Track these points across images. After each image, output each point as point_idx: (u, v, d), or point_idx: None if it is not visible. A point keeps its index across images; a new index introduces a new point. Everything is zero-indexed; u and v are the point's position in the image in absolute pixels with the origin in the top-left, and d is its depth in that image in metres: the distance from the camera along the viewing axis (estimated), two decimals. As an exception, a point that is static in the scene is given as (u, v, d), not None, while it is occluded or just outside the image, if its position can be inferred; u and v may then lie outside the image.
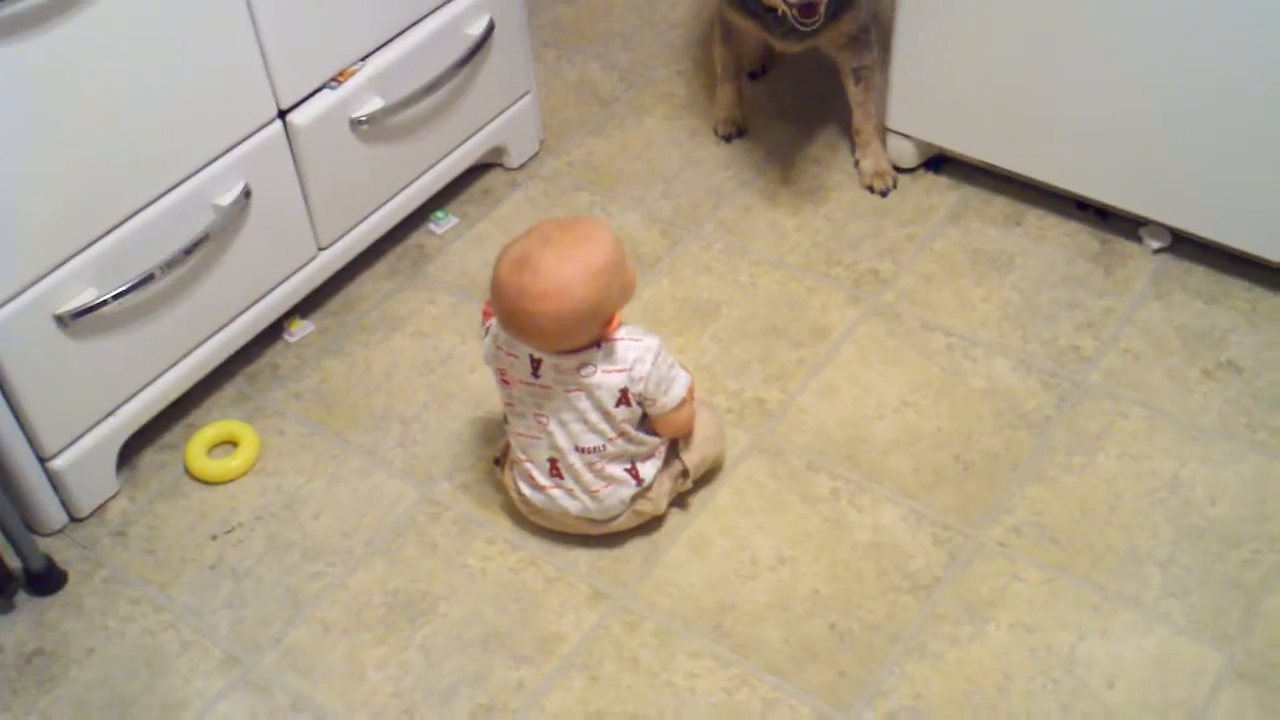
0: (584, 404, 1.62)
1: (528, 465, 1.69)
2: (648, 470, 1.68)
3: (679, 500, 1.76)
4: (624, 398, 1.62)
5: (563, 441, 1.64)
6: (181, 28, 1.66)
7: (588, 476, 1.66)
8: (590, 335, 1.59)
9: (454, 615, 1.67)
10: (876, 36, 2.16)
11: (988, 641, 1.61)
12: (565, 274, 1.53)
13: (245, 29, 1.74)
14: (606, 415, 1.62)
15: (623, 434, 1.64)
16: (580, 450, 1.65)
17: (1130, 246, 2.08)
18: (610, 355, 1.61)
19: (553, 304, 1.53)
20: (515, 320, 1.57)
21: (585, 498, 1.67)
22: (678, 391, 1.65)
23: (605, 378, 1.61)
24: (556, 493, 1.68)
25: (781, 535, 1.73)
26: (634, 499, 1.69)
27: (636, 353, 1.61)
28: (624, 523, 1.71)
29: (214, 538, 1.78)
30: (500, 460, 1.78)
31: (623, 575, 1.70)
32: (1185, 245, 2.06)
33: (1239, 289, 2.00)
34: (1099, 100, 1.94)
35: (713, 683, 1.59)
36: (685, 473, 1.73)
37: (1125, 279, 2.03)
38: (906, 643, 1.61)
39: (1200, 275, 2.03)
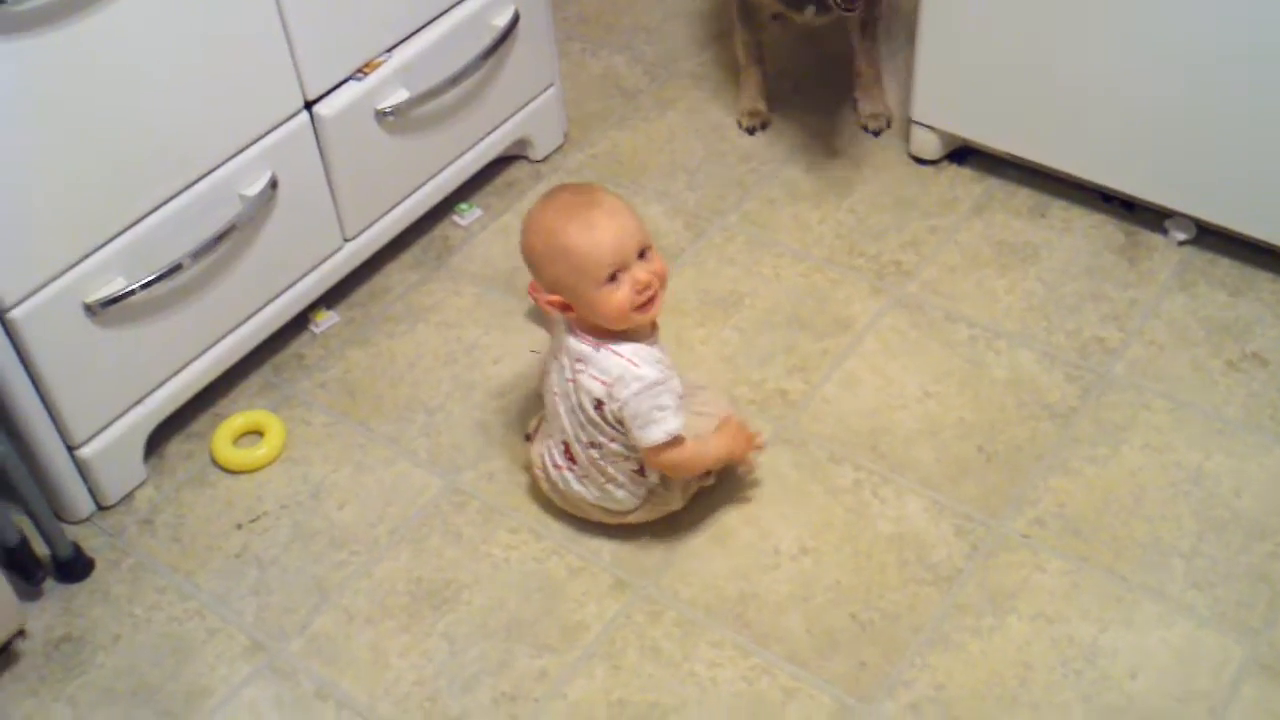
0: (576, 398, 1.63)
1: (549, 443, 1.70)
2: (655, 473, 1.68)
3: (701, 493, 1.76)
4: (600, 408, 1.61)
5: (569, 428, 1.65)
6: (209, 19, 1.67)
7: (593, 470, 1.67)
8: (541, 282, 1.62)
9: (477, 604, 1.68)
10: None
11: (1010, 632, 1.61)
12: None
13: (272, 20, 1.75)
14: (591, 418, 1.63)
15: (613, 439, 1.64)
16: (581, 443, 1.65)
17: (1155, 238, 2.07)
18: (601, 363, 1.60)
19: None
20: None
21: (595, 487, 1.68)
22: (654, 434, 1.58)
23: (589, 381, 1.60)
24: (570, 475, 1.69)
25: (804, 526, 1.74)
26: (648, 495, 1.69)
27: (622, 372, 1.59)
28: (640, 516, 1.72)
29: (240, 526, 1.79)
30: (531, 435, 1.79)
31: (645, 565, 1.71)
32: (1210, 237, 2.05)
33: (1264, 281, 1.99)
34: (1124, 92, 1.94)
35: (734, 672, 1.59)
36: (708, 470, 1.73)
37: (1150, 271, 2.03)
38: (928, 633, 1.61)
39: (1225, 267, 2.02)
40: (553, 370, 1.67)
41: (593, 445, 1.65)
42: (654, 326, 1.66)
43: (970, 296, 2.01)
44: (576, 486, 1.69)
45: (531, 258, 1.63)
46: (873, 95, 2.31)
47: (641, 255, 1.58)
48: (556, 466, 1.70)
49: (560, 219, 1.58)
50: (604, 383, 1.59)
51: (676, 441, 1.60)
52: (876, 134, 2.31)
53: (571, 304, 1.60)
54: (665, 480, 1.69)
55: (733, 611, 1.65)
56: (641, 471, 1.67)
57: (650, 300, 1.59)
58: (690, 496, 1.74)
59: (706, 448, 1.66)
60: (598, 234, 1.56)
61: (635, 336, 1.62)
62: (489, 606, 1.68)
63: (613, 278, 1.56)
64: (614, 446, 1.64)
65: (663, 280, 1.61)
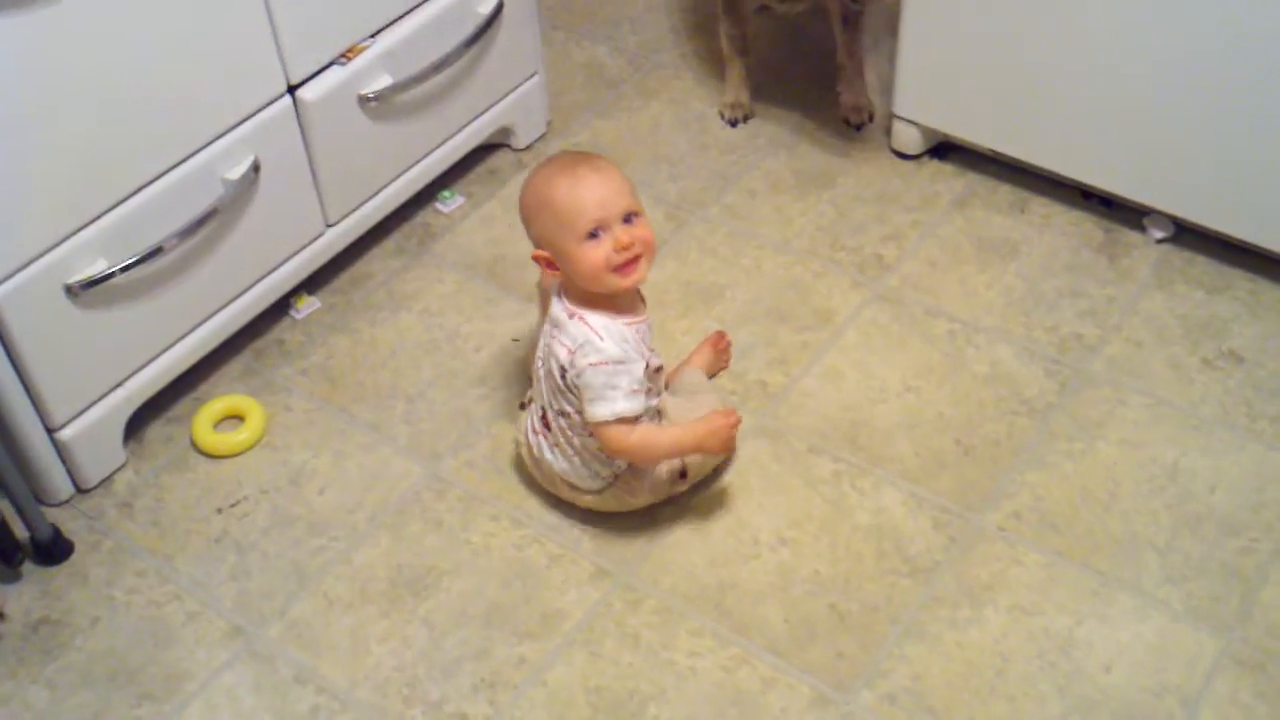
0: (549, 364, 1.64)
1: (532, 408, 1.72)
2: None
3: (671, 499, 1.75)
4: (564, 375, 1.62)
5: (545, 394, 1.67)
6: (193, 1, 1.67)
7: (562, 439, 1.68)
8: (531, 239, 1.64)
9: (457, 591, 1.69)
10: None
11: (986, 625, 1.62)
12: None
13: (256, 4, 1.75)
14: (558, 385, 1.64)
15: (580, 412, 1.64)
16: (553, 410, 1.66)
17: (1133, 236, 2.09)
18: (570, 330, 1.61)
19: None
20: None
21: (563, 458, 1.69)
22: (599, 410, 1.58)
23: (558, 347, 1.62)
24: (544, 442, 1.70)
25: (783, 516, 1.75)
26: (614, 480, 1.70)
27: (585, 341, 1.59)
28: (600, 503, 1.72)
29: (219, 511, 1.79)
30: (524, 404, 1.80)
31: (625, 553, 1.72)
32: (1188, 235, 2.06)
33: (1241, 279, 2.01)
34: (1104, 89, 1.95)
35: (713, 661, 1.60)
36: (684, 473, 1.72)
37: (1128, 268, 2.04)
38: (905, 624, 1.63)
39: (1203, 265, 2.04)
40: (541, 335, 1.68)
41: (561, 414, 1.66)
42: (642, 302, 1.68)
43: (950, 291, 2.03)
44: (548, 455, 1.70)
45: (524, 213, 1.65)
46: (855, 89, 2.32)
47: (628, 220, 1.59)
48: (535, 432, 1.72)
49: (551, 173, 1.62)
50: (569, 349, 1.61)
51: (622, 423, 1.60)
52: (858, 128, 2.31)
53: (556, 261, 1.61)
54: (635, 470, 1.69)
55: (712, 601, 1.66)
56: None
57: (630, 263, 1.59)
58: (661, 499, 1.73)
59: (661, 437, 1.64)
60: (581, 188, 1.58)
61: (619, 308, 1.63)
62: (469, 593, 1.68)
63: (594, 235, 1.57)
64: (578, 417, 1.65)
65: (647, 247, 1.61)
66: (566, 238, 1.58)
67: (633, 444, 1.62)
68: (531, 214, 1.63)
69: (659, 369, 1.68)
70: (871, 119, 2.32)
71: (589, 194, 1.58)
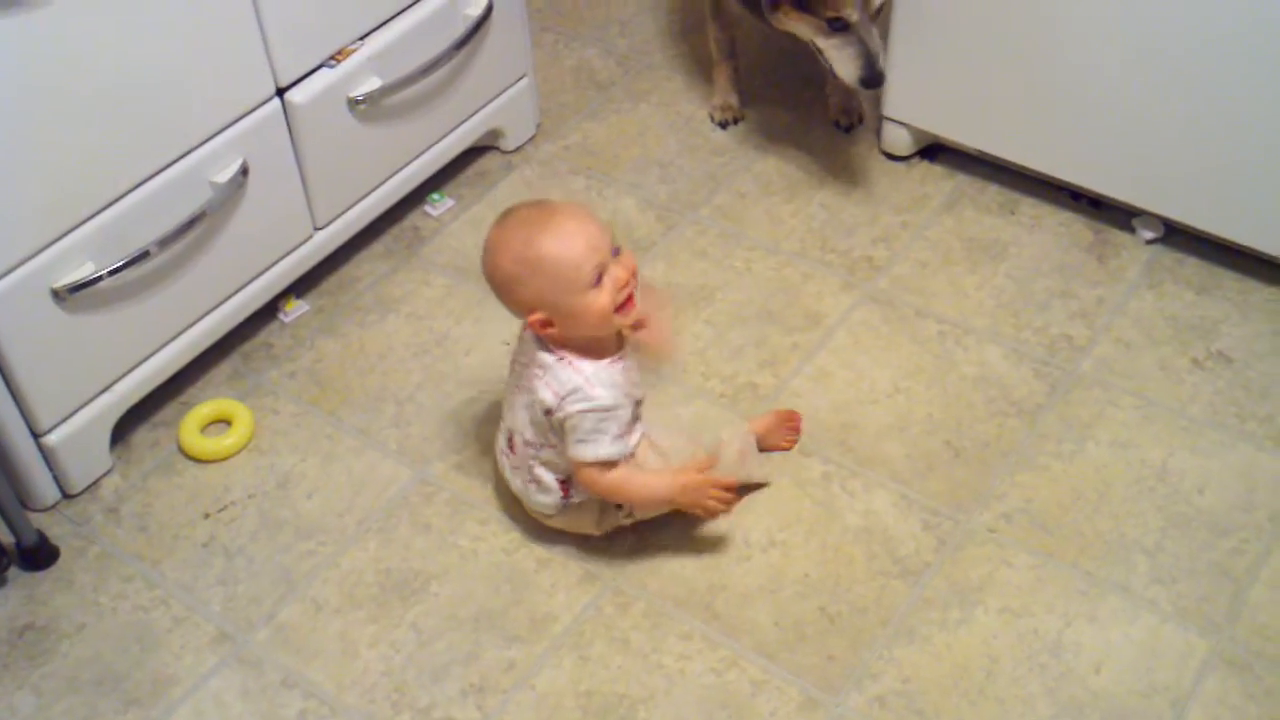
0: (528, 399, 1.62)
1: (501, 425, 1.72)
2: (579, 491, 1.67)
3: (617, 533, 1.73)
4: (549, 415, 1.59)
5: (518, 421, 1.66)
6: (182, 4, 1.66)
7: (523, 467, 1.67)
8: (515, 305, 1.58)
9: (446, 595, 1.68)
10: None
11: (976, 626, 1.62)
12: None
13: (245, 6, 1.74)
14: (537, 420, 1.62)
15: (553, 446, 1.63)
16: (524, 438, 1.65)
17: (1123, 236, 2.09)
18: (559, 375, 1.58)
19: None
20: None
21: (520, 481, 1.69)
22: (584, 452, 1.57)
23: (544, 390, 1.58)
24: (506, 464, 1.70)
25: (773, 518, 1.74)
26: (564, 509, 1.69)
27: (576, 388, 1.56)
28: (558, 524, 1.71)
29: (207, 515, 1.78)
30: None
31: (614, 556, 1.71)
32: (1178, 236, 2.06)
33: (1230, 280, 2.01)
34: (1094, 90, 1.95)
35: (702, 664, 1.60)
36: (621, 507, 1.69)
37: (1118, 269, 2.04)
38: (895, 626, 1.62)
39: (1192, 266, 2.04)
40: (518, 362, 1.66)
41: (529, 445, 1.65)
42: (622, 340, 1.63)
43: (940, 292, 2.02)
44: (508, 474, 1.70)
45: (502, 280, 1.57)
46: (844, 91, 2.32)
47: (616, 254, 1.56)
48: (501, 452, 1.71)
49: (528, 233, 1.54)
50: (556, 394, 1.57)
51: (605, 465, 1.59)
52: (848, 130, 2.31)
53: (553, 319, 1.55)
54: (583, 501, 1.67)
55: (701, 603, 1.66)
56: (567, 486, 1.66)
57: (629, 299, 1.57)
58: (608, 530, 1.71)
59: (636, 482, 1.62)
60: (570, 240, 1.52)
61: (606, 349, 1.60)
62: (457, 598, 1.68)
63: (598, 281, 1.53)
64: (548, 453, 1.64)
65: (634, 275, 1.59)
66: (570, 292, 1.53)
67: (606, 484, 1.60)
68: (515, 280, 1.55)
69: (640, 401, 1.66)
70: (861, 121, 2.32)
71: (581, 242, 1.52)
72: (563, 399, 1.57)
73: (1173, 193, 1.98)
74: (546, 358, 1.59)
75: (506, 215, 1.58)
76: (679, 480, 1.62)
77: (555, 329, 1.56)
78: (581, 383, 1.57)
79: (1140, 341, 1.93)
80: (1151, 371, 1.89)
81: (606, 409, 1.57)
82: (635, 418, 1.64)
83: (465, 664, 1.61)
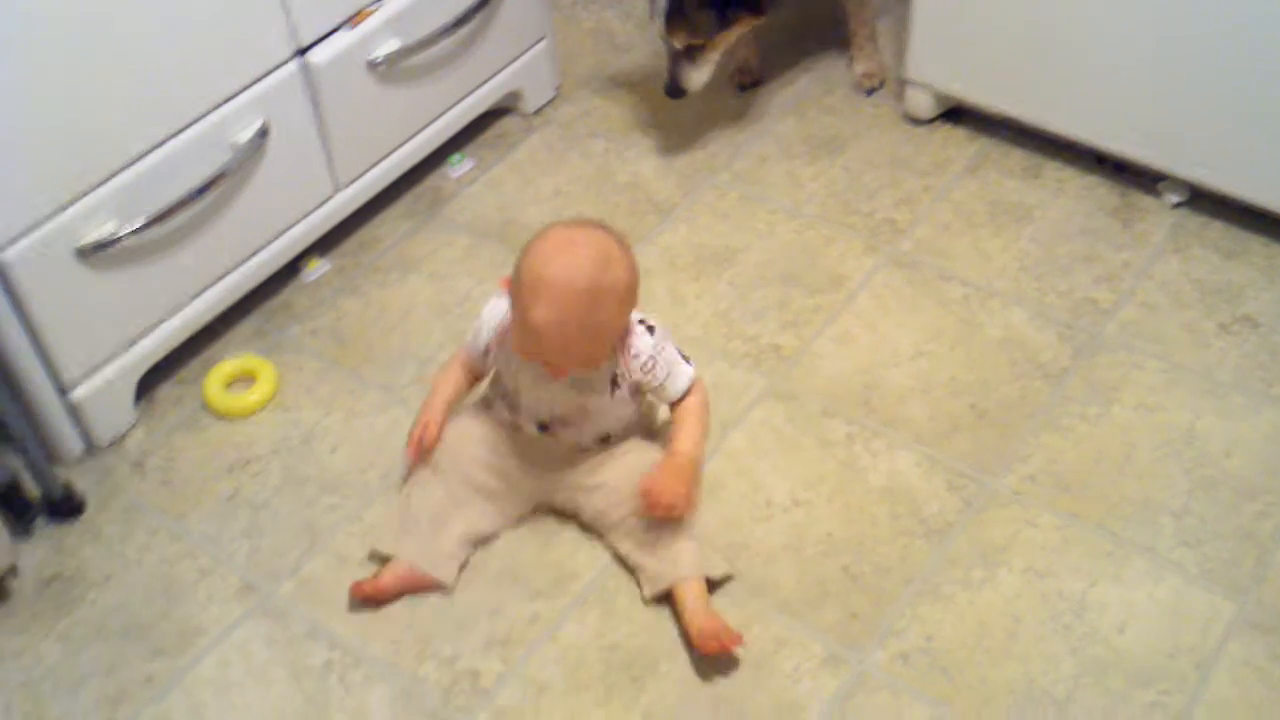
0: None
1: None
2: None
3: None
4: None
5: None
6: (204, -40, 1.66)
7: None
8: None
9: (469, 550, 1.68)
10: None
11: (999, 586, 1.62)
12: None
13: (266, -35, 1.74)
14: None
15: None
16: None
17: (1148, 200, 2.08)
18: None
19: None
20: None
21: None
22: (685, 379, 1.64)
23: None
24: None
25: (796, 478, 1.74)
26: None
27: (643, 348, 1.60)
28: None
29: (231, 470, 1.79)
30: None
31: (638, 514, 1.71)
32: (1204, 200, 2.05)
33: (1257, 244, 2.00)
34: (1119, 53, 1.94)
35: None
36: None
37: (1143, 233, 2.03)
38: (919, 585, 1.62)
39: (1218, 230, 2.02)
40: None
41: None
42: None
43: (964, 256, 2.02)
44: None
45: (628, 293, 1.55)
46: (866, 53, 2.31)
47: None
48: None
49: (626, 249, 1.55)
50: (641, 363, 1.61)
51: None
52: (870, 93, 2.31)
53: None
54: None
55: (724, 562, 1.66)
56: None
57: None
58: None
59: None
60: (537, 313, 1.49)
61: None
62: (480, 552, 1.67)
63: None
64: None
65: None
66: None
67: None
68: (631, 293, 1.55)
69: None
70: (883, 85, 2.31)
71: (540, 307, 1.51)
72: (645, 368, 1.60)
73: (1199, 156, 1.97)
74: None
75: (580, 240, 1.53)
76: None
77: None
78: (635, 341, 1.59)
79: (1166, 305, 1.93)
80: (1177, 335, 1.89)
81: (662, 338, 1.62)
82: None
83: (490, 617, 1.61)
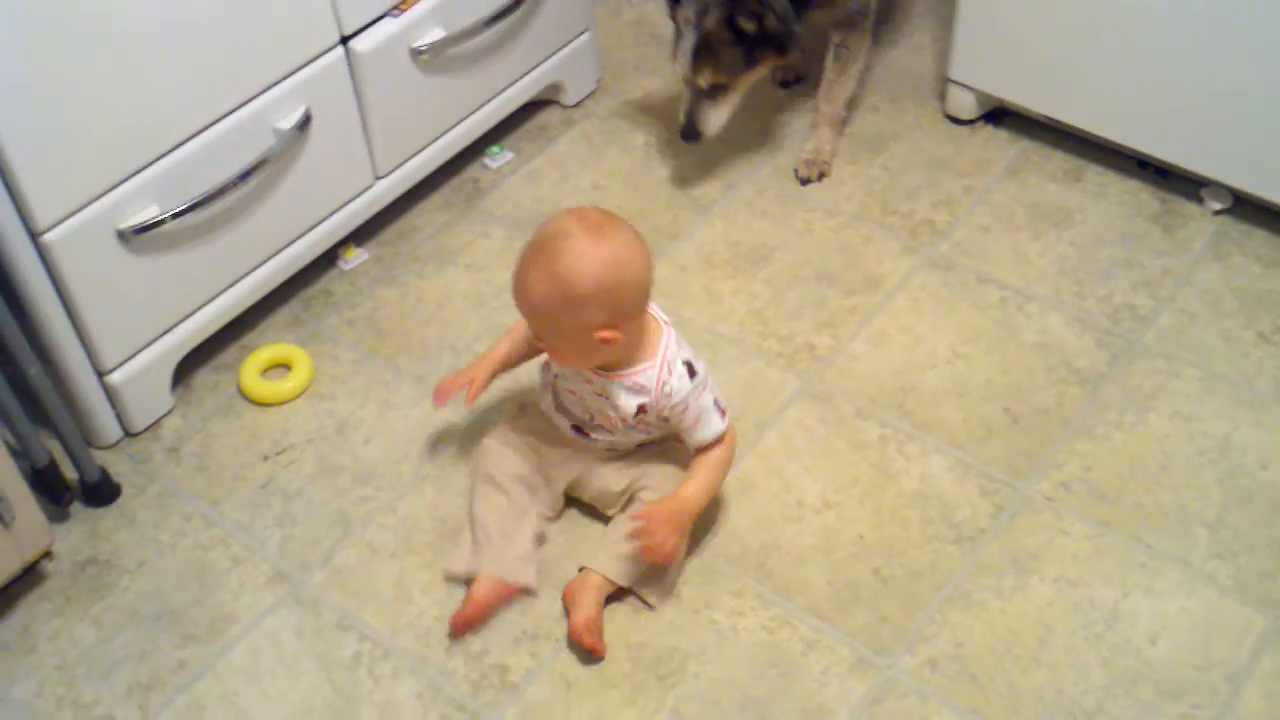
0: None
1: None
2: None
3: None
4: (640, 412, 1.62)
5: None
6: (251, -52, 1.67)
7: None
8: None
9: (500, 544, 1.69)
10: (871, 26, 2.13)
11: (1031, 594, 1.61)
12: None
13: (312, -48, 1.75)
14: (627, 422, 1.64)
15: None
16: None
17: (1190, 207, 2.06)
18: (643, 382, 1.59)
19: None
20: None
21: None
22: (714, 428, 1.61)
23: (624, 401, 1.61)
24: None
25: (828, 480, 1.74)
26: None
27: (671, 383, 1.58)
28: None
29: (265, 458, 1.80)
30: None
31: (668, 512, 1.71)
32: (1246, 207, 2.03)
33: (1300, 254, 1.98)
34: (1163, 56, 1.92)
35: (754, 621, 1.60)
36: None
37: (1184, 239, 2.01)
38: (949, 591, 1.62)
39: (1260, 238, 2.00)
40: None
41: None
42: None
43: (1002, 258, 2.00)
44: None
45: (636, 287, 1.52)
46: (819, 136, 2.16)
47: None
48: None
49: (641, 242, 1.53)
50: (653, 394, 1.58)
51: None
52: (805, 183, 2.14)
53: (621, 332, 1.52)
54: None
55: (754, 562, 1.66)
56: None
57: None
58: None
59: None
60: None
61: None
62: (512, 547, 1.69)
63: None
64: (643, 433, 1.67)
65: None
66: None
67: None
68: (642, 290, 1.52)
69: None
70: (822, 178, 2.15)
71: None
72: (659, 399, 1.58)
73: (1242, 163, 1.95)
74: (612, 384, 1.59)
75: (581, 232, 1.51)
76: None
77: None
78: (668, 377, 1.57)
79: (1205, 314, 1.91)
80: (1216, 344, 1.87)
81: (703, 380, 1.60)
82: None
83: (518, 613, 1.61)
